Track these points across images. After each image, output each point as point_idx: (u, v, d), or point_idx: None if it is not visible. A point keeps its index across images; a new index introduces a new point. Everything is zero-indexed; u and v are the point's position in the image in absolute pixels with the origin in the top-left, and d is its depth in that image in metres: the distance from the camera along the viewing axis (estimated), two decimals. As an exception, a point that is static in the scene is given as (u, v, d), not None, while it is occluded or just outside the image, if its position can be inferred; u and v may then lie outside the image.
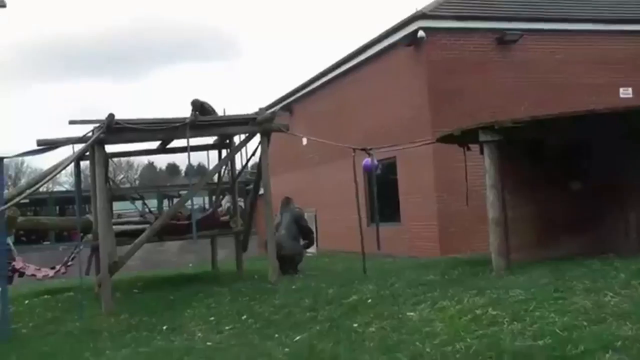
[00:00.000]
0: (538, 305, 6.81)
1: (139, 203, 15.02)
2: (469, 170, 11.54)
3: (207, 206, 27.38)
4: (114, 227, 11.89)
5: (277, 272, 12.08)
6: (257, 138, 12.43)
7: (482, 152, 10.03)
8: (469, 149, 11.10)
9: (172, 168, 71.50)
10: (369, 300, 8.76)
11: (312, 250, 14.59)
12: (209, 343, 8.03)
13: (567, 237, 10.23)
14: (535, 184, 10.21)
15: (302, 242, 14.27)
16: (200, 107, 12.23)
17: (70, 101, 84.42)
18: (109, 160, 12.61)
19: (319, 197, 21.53)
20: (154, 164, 72.75)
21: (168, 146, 13.84)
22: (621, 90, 17.48)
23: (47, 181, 12.33)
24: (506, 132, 9.42)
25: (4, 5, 13.90)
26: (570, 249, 9.98)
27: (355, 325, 7.65)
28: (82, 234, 12.88)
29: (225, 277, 13.51)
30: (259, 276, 12.82)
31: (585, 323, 6.02)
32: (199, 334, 8.64)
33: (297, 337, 7.59)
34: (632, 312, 6.09)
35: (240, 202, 14.75)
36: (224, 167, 13.65)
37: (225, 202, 14.60)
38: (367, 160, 12.66)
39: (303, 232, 14.31)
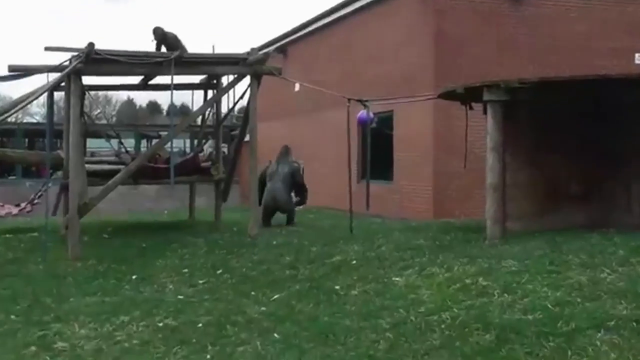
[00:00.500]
0: (531, 277, 6.92)
1: (114, 141, 14.90)
2: (470, 131, 11.49)
3: (187, 150, 27.47)
4: (86, 165, 11.82)
5: (258, 225, 12.11)
6: (247, 80, 12.38)
7: (485, 112, 10.02)
8: (471, 107, 11.07)
9: (153, 106, 70.97)
10: (354, 262, 8.87)
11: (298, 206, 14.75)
12: (180, 296, 8.09)
13: (567, 208, 10.32)
14: (539, 150, 10.23)
15: (294, 198, 14.42)
16: (162, 37, 12.11)
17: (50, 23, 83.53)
18: (86, 92, 12.48)
19: (308, 149, 21.42)
20: (134, 100, 72.18)
21: (150, 82, 13.70)
22: (637, 55, 17.29)
23: (17, 111, 12.24)
24: (512, 93, 9.40)
25: None
26: (569, 221, 10.06)
27: (337, 287, 7.75)
28: (51, 171, 12.83)
29: (202, 227, 13.57)
30: (238, 229, 12.90)
31: (578, 299, 6.11)
32: (170, 286, 8.70)
33: (275, 296, 7.69)
34: (628, 290, 6.18)
35: (224, 148, 14.70)
36: (208, 109, 13.62)
37: (208, 147, 14.64)
38: (362, 113, 12.61)
39: (297, 188, 14.43)
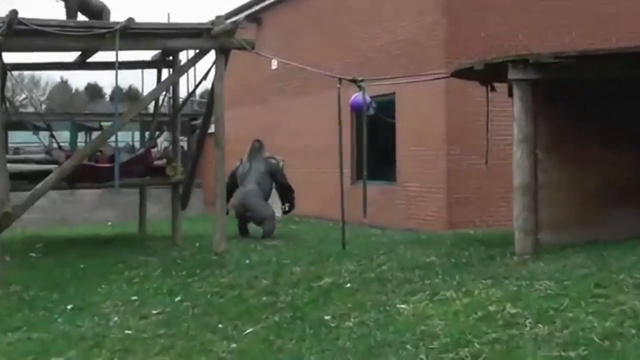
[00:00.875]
0: (572, 303, 6.85)
1: (44, 135, 14.79)
2: (492, 118, 11.49)
3: (137, 145, 26.98)
4: (8, 165, 11.59)
5: (224, 239, 12.13)
6: (211, 56, 12.38)
7: (510, 95, 10.02)
8: (493, 89, 11.07)
9: (93, 90, 70.95)
10: (348, 285, 8.80)
11: (277, 214, 14.85)
12: (128, 331, 8.05)
13: (616, 215, 10.31)
14: (579, 141, 10.23)
15: (280, 205, 14.58)
16: (78, 4, 12.18)
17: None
18: (7, 73, 12.43)
19: (288, 142, 21.43)
20: (69, 82, 72.08)
21: (89, 60, 13.60)
22: None
23: None
24: (545, 70, 9.38)
25: None
26: (619, 231, 10.04)
27: (327, 317, 7.70)
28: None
29: (156, 242, 13.58)
30: (202, 244, 12.89)
31: (633, 331, 6.06)
32: (116, 318, 8.65)
33: (248, 330, 7.66)
34: (696, 319, 6.15)
35: (183, 142, 14.63)
36: (163, 93, 13.58)
37: (163, 141, 14.58)
38: (356, 96, 12.52)
39: (282, 191, 14.55)
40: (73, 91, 72.60)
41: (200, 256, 11.73)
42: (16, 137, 24.73)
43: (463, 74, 11.09)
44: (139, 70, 14.45)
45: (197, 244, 12.98)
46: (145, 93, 13.99)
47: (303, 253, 11.30)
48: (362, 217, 12.01)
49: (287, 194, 14.65)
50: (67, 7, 12.36)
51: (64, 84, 71.37)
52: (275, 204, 14.61)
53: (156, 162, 13.68)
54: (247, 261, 10.99)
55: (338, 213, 11.92)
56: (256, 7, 24.86)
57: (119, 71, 11.53)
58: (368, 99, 12.45)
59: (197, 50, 12.55)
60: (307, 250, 11.71)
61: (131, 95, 28.30)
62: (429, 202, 16.52)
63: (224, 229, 12.11)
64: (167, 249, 12.60)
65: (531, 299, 7.17)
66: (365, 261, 9.96)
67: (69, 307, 9.21)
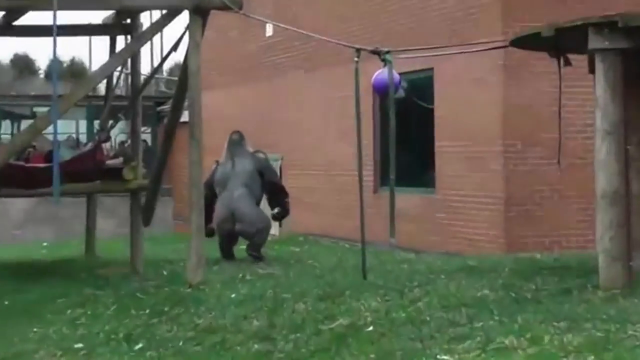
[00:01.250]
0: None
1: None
2: (566, 102, 11.52)
3: (83, 139, 26.80)
4: None
5: (202, 265, 12.08)
6: (184, 19, 12.32)
7: (592, 70, 9.97)
8: (568, 62, 11.03)
9: (23, 64, 71.07)
10: (370, 328, 8.75)
11: (273, 230, 15.06)
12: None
13: None
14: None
15: (273, 209, 14.74)
16: None
17: None
18: None
19: (288, 135, 21.56)
20: (-10, 54, 72.20)
21: (16, 23, 13.64)
22: None
23: None
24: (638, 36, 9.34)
25: None
26: None
27: (342, 373, 7.66)
28: None
29: (108, 269, 13.46)
30: (171, 272, 12.84)
31: None
32: (54, 374, 8.67)
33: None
34: None
35: (146, 135, 14.63)
36: (119, 68, 13.70)
37: (118, 134, 14.56)
38: (381, 74, 12.24)
39: (271, 192, 14.69)
40: (-4, 66, 72.77)
41: (170, 288, 11.65)
42: None
43: (526, 42, 11.08)
44: (85, 38, 14.47)
45: (165, 272, 12.95)
46: (93, 68, 14.10)
47: (309, 284, 11.13)
48: (389, 236, 11.70)
49: (278, 196, 14.77)
50: None
51: (-19, 55, 71.60)
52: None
53: (109, 162, 13.66)
54: (233, 295, 10.88)
55: (356, 230, 11.80)
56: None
57: (58, 38, 11.48)
58: (396, 76, 12.14)
59: (165, 11, 12.60)
60: (315, 280, 11.54)
61: (75, 72, 28.23)
62: (480, 216, 16.60)
63: (201, 251, 12.01)
64: (123, 279, 12.55)
65: (623, 349, 7.07)
66: (394, 296, 9.84)
67: (-10, 358, 9.21)
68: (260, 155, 14.83)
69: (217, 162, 14.82)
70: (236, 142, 14.72)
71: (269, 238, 14.92)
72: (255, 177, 14.44)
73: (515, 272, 10.98)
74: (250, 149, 14.89)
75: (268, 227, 14.50)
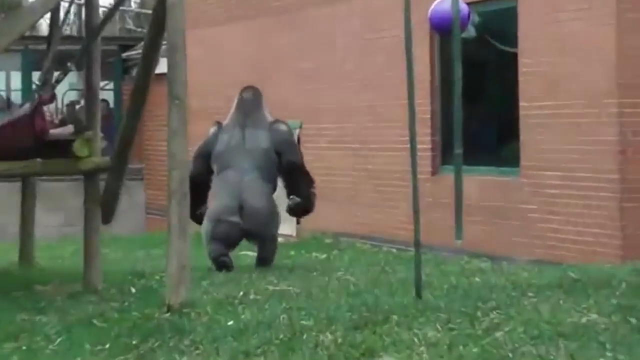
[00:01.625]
0: None
1: None
2: None
3: (17, 98, 27.62)
4: None
5: (187, 278, 10.58)
6: None
7: None
8: None
9: None
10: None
11: (286, 229, 13.96)
12: None
13: None
14: None
15: (290, 198, 13.43)
16: None
17: None
18: None
19: (310, 93, 20.55)
20: None
21: None
22: None
23: None
24: None
25: None
26: None
27: None
28: None
29: (52, 284, 12.23)
30: (143, 288, 11.75)
31: None
32: None
33: None
34: None
35: (107, 94, 14.23)
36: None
37: (67, 91, 14.37)
38: (441, 4, 10.76)
39: (291, 176, 13.28)
40: None
41: (140, 313, 10.20)
42: None
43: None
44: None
45: (134, 289, 11.64)
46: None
47: (340, 306, 9.69)
48: (454, 237, 10.30)
49: (299, 183, 13.26)
50: None
51: None
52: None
53: (53, 131, 12.22)
54: (231, 322, 9.53)
55: (407, 230, 11.36)
56: None
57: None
58: (465, 8, 10.62)
59: None
60: (348, 299, 10.11)
61: (6, 1, 27.16)
62: (585, 208, 15.61)
63: (185, 257, 10.44)
64: (74, 300, 11.15)
65: None
66: (461, 323, 8.61)
67: None
68: (282, 127, 13.54)
69: (218, 123, 13.48)
70: (249, 103, 13.35)
71: (282, 240, 13.80)
72: (271, 157, 13.14)
73: (636, 288, 9.94)
74: (269, 116, 13.51)
75: (277, 229, 13.37)
